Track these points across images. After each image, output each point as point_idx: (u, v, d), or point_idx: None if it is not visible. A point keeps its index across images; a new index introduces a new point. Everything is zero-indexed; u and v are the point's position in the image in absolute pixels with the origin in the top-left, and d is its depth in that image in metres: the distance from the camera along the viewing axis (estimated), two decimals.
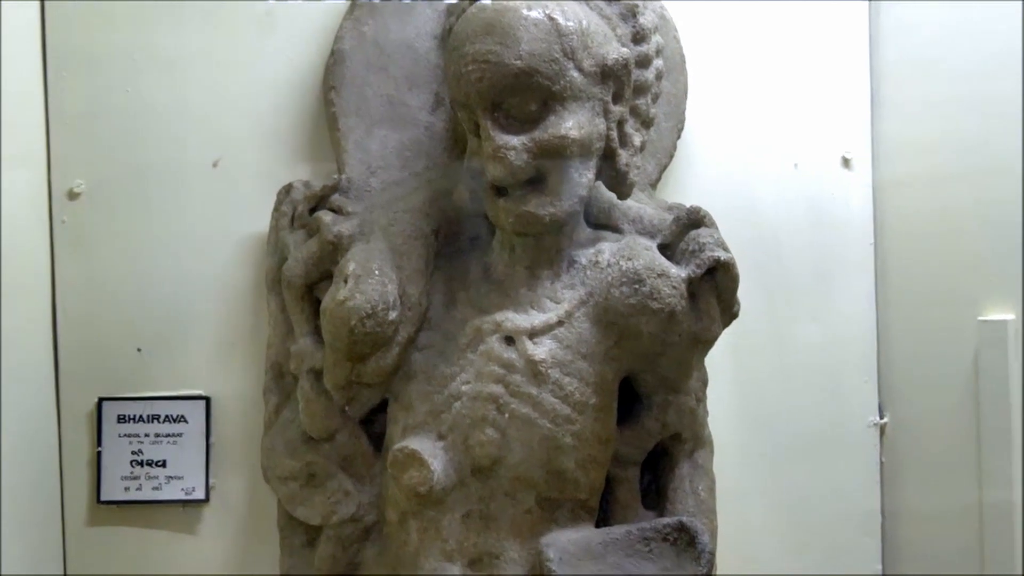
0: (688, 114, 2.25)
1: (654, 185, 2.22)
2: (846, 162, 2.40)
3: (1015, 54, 2.19)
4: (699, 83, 2.27)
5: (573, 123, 1.85)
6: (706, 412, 2.16)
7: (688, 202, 2.07)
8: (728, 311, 1.98)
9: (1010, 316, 2.18)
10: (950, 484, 2.33)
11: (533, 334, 1.91)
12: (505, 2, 1.87)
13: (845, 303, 2.42)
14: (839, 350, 2.41)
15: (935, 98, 2.35)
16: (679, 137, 2.24)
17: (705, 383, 2.13)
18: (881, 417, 2.42)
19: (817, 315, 2.40)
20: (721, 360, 2.25)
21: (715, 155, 2.37)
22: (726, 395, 2.32)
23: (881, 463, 2.42)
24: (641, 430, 2.04)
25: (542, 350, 1.90)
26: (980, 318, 2.22)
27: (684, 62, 2.22)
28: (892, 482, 2.43)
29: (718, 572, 2.14)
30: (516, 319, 1.93)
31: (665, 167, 2.24)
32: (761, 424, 2.40)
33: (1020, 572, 2.16)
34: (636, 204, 2.07)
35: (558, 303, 1.94)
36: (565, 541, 1.93)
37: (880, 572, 2.43)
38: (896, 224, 2.41)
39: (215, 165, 2.27)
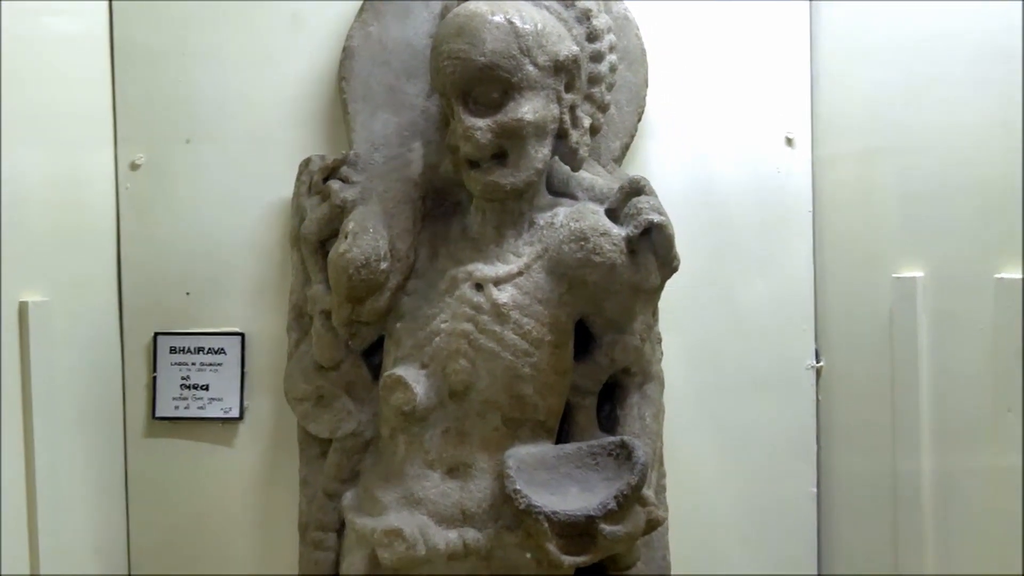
0: (648, 100, 2.42)
1: (618, 161, 2.41)
2: (789, 141, 2.55)
3: (936, 45, 2.33)
4: (658, 73, 2.44)
5: (529, 108, 2.09)
6: (657, 352, 2.35)
7: (650, 176, 2.24)
8: (667, 265, 2.17)
9: (919, 274, 2.34)
10: (872, 417, 2.46)
11: (498, 282, 2.15)
12: (475, 8, 2.10)
13: (786, 262, 2.56)
14: (781, 303, 2.56)
15: (865, 87, 2.47)
16: (639, 120, 2.42)
17: (651, 326, 2.30)
18: (817, 361, 2.57)
19: (763, 272, 2.55)
20: (677, 311, 2.46)
21: (673, 135, 2.53)
22: (681, 341, 2.50)
23: (817, 400, 2.57)
24: (594, 364, 2.25)
25: (505, 295, 2.13)
26: (894, 275, 2.38)
27: (644, 55, 2.40)
28: (825, 417, 2.58)
29: (670, 490, 2.36)
30: (485, 269, 2.16)
31: (627, 146, 2.42)
32: (712, 366, 2.56)
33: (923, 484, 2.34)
34: (590, 175, 2.27)
35: (519, 257, 2.17)
36: (524, 454, 2.15)
37: (815, 492, 2.57)
38: (831, 195, 2.55)
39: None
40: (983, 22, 2.24)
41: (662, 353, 2.38)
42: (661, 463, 2.36)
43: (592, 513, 2.03)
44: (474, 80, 2.10)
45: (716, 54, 2.56)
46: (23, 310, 2.15)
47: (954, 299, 2.29)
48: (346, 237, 2.22)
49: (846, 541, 2.56)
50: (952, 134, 2.30)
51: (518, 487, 2.06)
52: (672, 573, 2.42)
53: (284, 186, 2.42)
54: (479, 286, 2.16)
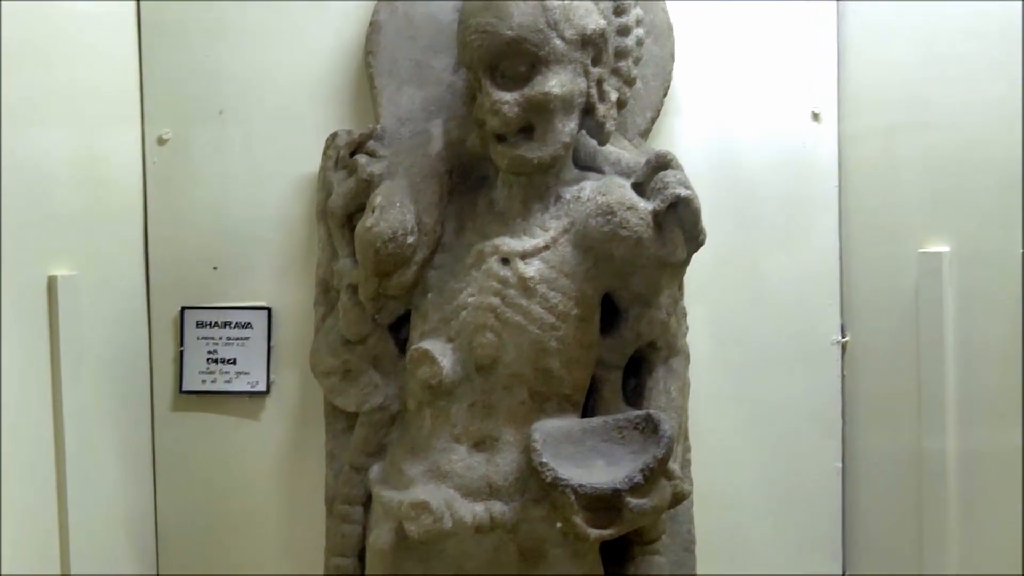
0: (675, 75, 2.42)
1: (644, 135, 2.41)
2: (815, 116, 2.54)
3: (963, 21, 2.32)
4: (685, 48, 2.44)
5: (556, 82, 2.10)
6: (682, 326, 2.36)
7: (676, 151, 2.24)
8: (692, 239, 2.18)
9: (945, 248, 2.34)
10: (898, 392, 2.46)
11: (525, 256, 2.16)
12: None
13: (813, 237, 2.56)
14: (807, 277, 2.57)
15: (892, 62, 2.46)
16: (666, 95, 2.42)
17: (676, 300, 2.32)
18: (843, 336, 2.57)
19: (788, 247, 2.56)
20: (703, 286, 2.47)
21: (700, 110, 2.53)
22: (708, 315, 2.51)
23: (842, 375, 2.57)
24: (620, 338, 2.26)
25: (531, 269, 2.14)
26: (920, 250, 2.38)
27: (671, 29, 2.40)
28: (851, 391, 2.58)
29: (695, 464, 2.38)
30: (511, 243, 2.17)
31: (654, 120, 2.42)
32: (738, 341, 2.57)
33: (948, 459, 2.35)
34: (617, 150, 2.27)
35: (546, 231, 2.18)
36: (551, 427, 2.16)
37: (840, 467, 2.58)
38: (857, 170, 2.55)
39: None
40: None
41: (687, 327, 2.39)
42: (686, 437, 2.37)
43: (618, 486, 2.04)
44: (501, 54, 2.11)
45: (743, 29, 2.55)
46: (52, 284, 2.17)
47: (980, 274, 2.28)
48: (373, 211, 2.23)
49: (871, 516, 2.57)
50: (978, 109, 2.29)
51: (545, 460, 2.08)
52: (697, 546, 2.43)
53: (310, 161, 2.43)
54: (506, 260, 2.17)
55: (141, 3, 2.53)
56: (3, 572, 1.96)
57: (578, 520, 2.05)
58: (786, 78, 2.56)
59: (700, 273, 2.38)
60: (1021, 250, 2.17)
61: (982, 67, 2.28)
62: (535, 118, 2.13)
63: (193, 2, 2.53)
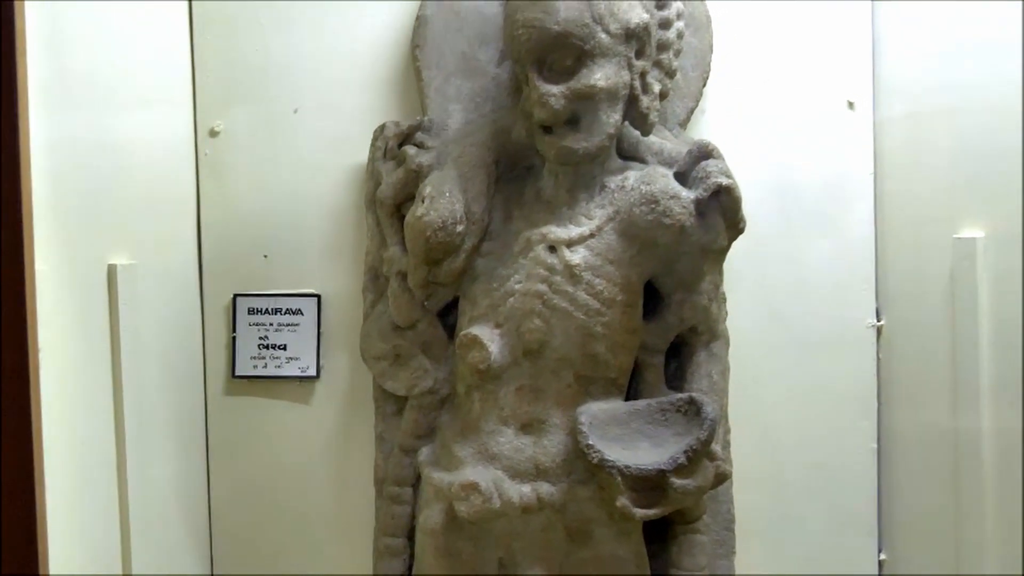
0: (713, 65, 2.45)
1: (683, 125, 2.45)
2: (851, 105, 2.56)
3: (994, 9, 2.34)
4: (723, 39, 2.47)
5: (601, 75, 2.14)
6: (722, 311, 2.39)
7: (715, 140, 2.29)
8: (734, 227, 2.24)
9: (980, 234, 2.36)
10: (932, 375, 2.48)
11: (571, 243, 2.21)
12: None
13: (849, 223, 2.58)
14: (844, 262, 2.59)
15: (925, 51, 2.49)
16: (705, 85, 2.46)
17: (717, 286, 2.34)
18: (878, 320, 2.59)
19: (825, 233, 2.58)
20: (744, 270, 2.50)
21: (738, 100, 2.55)
22: (748, 299, 2.53)
23: (878, 358, 2.59)
24: (663, 323, 2.31)
25: (577, 256, 2.19)
26: (955, 236, 2.40)
27: (710, 21, 2.44)
28: (886, 374, 2.60)
29: (735, 445, 2.41)
30: (558, 231, 2.22)
31: (692, 110, 2.47)
32: (777, 324, 2.58)
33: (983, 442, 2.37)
34: (659, 140, 2.32)
35: (591, 219, 2.22)
36: (596, 410, 2.21)
37: (875, 448, 2.60)
38: (892, 157, 2.56)
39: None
40: None
41: (727, 312, 2.43)
42: (726, 419, 2.40)
43: (663, 467, 2.09)
44: (548, 47, 2.14)
45: (779, 22, 2.57)
46: (112, 273, 2.22)
47: (1015, 259, 2.29)
48: (423, 201, 2.27)
49: (906, 496, 2.59)
50: (1011, 95, 2.29)
51: (591, 442, 2.12)
52: (736, 525, 2.47)
53: (359, 151, 2.47)
54: (552, 248, 2.22)
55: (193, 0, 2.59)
56: (67, 543, 2.00)
57: (624, 500, 2.10)
58: (821, 68, 2.58)
59: (740, 260, 2.41)
60: None
61: (1013, 52, 2.28)
62: (581, 110, 2.16)
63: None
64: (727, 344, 2.41)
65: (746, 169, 2.41)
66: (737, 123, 2.57)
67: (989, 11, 2.36)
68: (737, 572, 2.49)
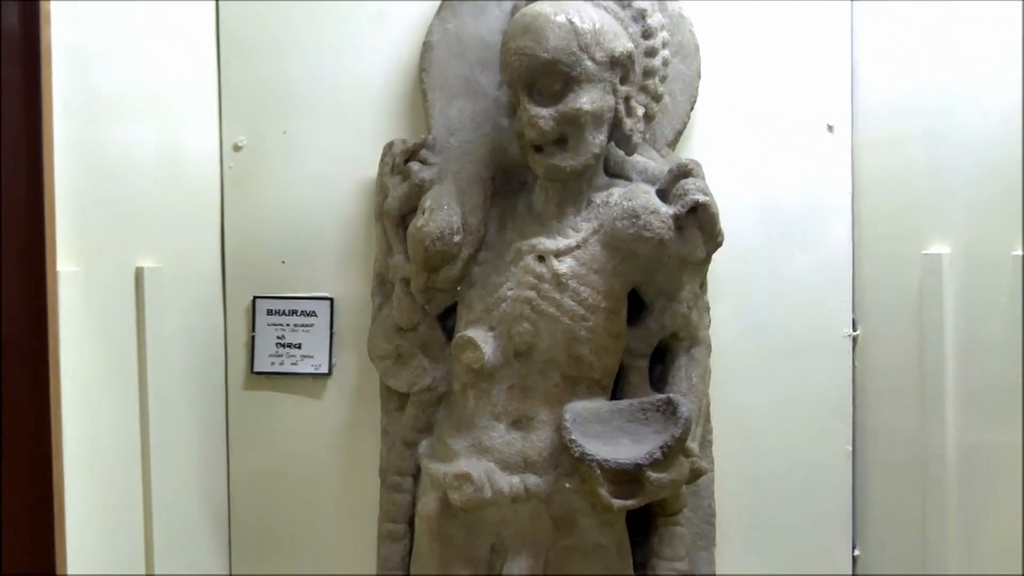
0: (700, 90, 2.53)
1: (671, 146, 2.53)
2: (830, 128, 2.63)
3: (966, 45, 2.38)
4: (711, 66, 2.55)
5: (587, 99, 2.25)
6: (704, 319, 2.47)
7: (701, 160, 2.40)
8: (712, 240, 2.34)
9: (946, 250, 2.40)
10: (904, 382, 2.52)
11: (558, 254, 2.30)
12: (540, 8, 2.26)
13: (827, 238, 2.64)
14: (822, 276, 2.65)
15: (901, 78, 2.54)
16: (692, 108, 2.54)
17: (698, 295, 2.42)
18: (854, 330, 2.65)
19: (805, 248, 2.64)
20: (728, 282, 2.58)
21: (723, 123, 2.62)
22: (732, 309, 2.60)
23: (853, 366, 2.65)
24: (646, 329, 2.40)
25: (564, 266, 2.29)
26: (923, 252, 2.44)
27: (697, 49, 2.52)
28: (861, 380, 2.66)
29: (717, 445, 2.51)
30: (546, 243, 2.32)
31: (681, 132, 2.54)
32: (759, 333, 2.65)
33: (948, 444, 2.39)
34: (643, 159, 2.41)
35: (578, 231, 2.32)
36: (581, 408, 2.30)
37: (850, 450, 2.66)
38: (868, 177, 2.63)
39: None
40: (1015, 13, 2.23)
41: (710, 320, 2.50)
42: (708, 420, 2.49)
43: (640, 462, 2.18)
44: (538, 73, 2.25)
45: (762, 48, 2.64)
46: (139, 275, 2.28)
47: (977, 274, 2.34)
48: (424, 213, 2.37)
49: (879, 495, 2.65)
50: (978, 119, 2.34)
51: (574, 437, 2.22)
52: (717, 519, 2.55)
53: (369, 167, 2.56)
54: (541, 257, 2.31)
55: (220, 23, 2.66)
56: (94, 530, 2.05)
57: (603, 492, 2.19)
58: (803, 94, 2.65)
59: (724, 272, 2.51)
60: (1017, 252, 2.20)
61: (983, 76, 2.34)
62: (568, 131, 2.27)
63: (266, 23, 2.65)
64: (709, 350, 2.49)
65: (731, 188, 2.51)
66: (723, 144, 2.64)
67: (959, 47, 2.40)
68: (717, 565, 2.56)
